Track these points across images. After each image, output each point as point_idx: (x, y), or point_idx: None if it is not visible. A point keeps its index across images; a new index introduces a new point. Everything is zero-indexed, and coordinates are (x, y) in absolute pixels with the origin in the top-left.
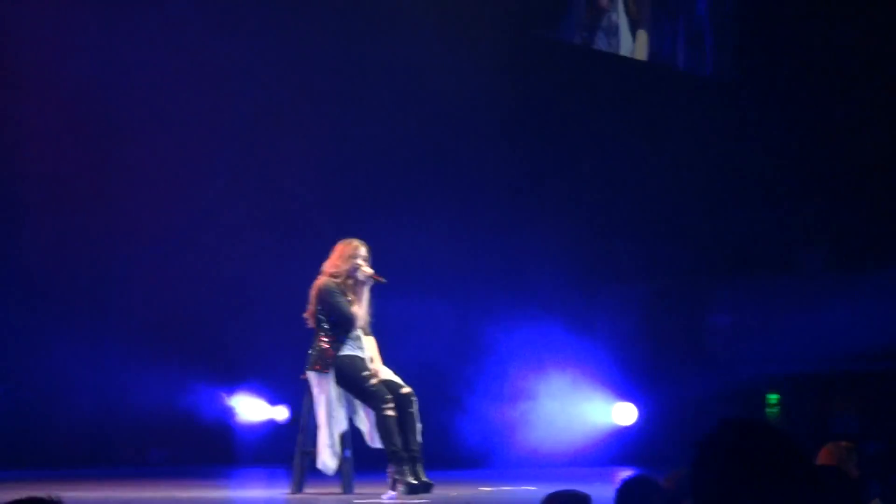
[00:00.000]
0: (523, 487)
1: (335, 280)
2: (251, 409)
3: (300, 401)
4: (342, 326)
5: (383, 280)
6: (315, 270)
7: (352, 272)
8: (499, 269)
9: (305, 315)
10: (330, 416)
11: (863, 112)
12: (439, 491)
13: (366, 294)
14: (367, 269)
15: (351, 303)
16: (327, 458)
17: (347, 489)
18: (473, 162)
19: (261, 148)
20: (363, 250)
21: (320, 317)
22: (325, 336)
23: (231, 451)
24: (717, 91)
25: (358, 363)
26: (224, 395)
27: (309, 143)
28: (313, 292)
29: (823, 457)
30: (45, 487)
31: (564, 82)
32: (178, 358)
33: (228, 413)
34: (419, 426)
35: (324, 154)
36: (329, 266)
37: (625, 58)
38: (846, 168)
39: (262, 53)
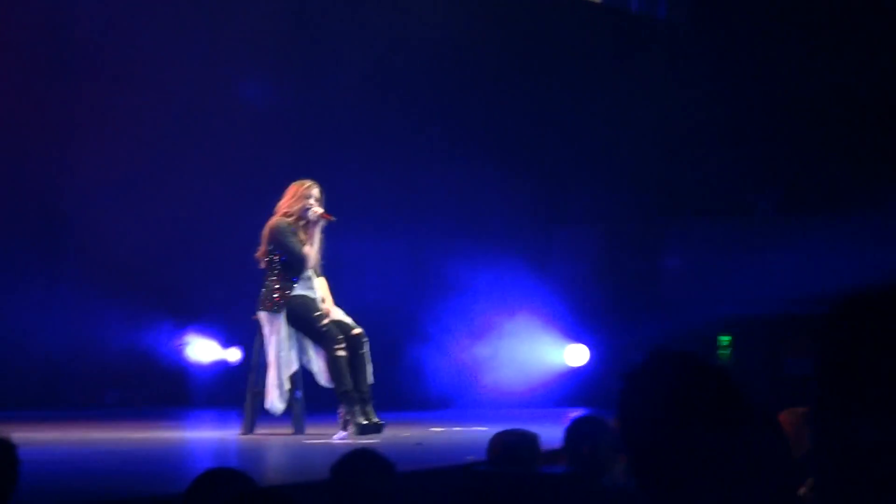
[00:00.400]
0: (474, 428)
1: (287, 220)
2: (204, 350)
3: (252, 341)
4: (293, 267)
5: (333, 219)
6: (268, 211)
7: (303, 212)
8: (453, 211)
9: (257, 255)
10: (280, 356)
11: (817, 54)
12: (390, 431)
13: (318, 234)
14: (318, 209)
15: (303, 243)
16: (275, 399)
17: (298, 430)
18: (427, 103)
19: (214, 89)
20: (315, 190)
21: (272, 257)
22: (277, 276)
23: (185, 393)
24: (671, 34)
25: (309, 304)
26: (178, 336)
27: (261, 84)
28: (265, 232)
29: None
30: None
31: (517, 25)
32: (132, 299)
33: (182, 355)
34: (370, 367)
35: (278, 95)
36: (282, 206)
37: (578, 0)
38: (799, 111)
39: None
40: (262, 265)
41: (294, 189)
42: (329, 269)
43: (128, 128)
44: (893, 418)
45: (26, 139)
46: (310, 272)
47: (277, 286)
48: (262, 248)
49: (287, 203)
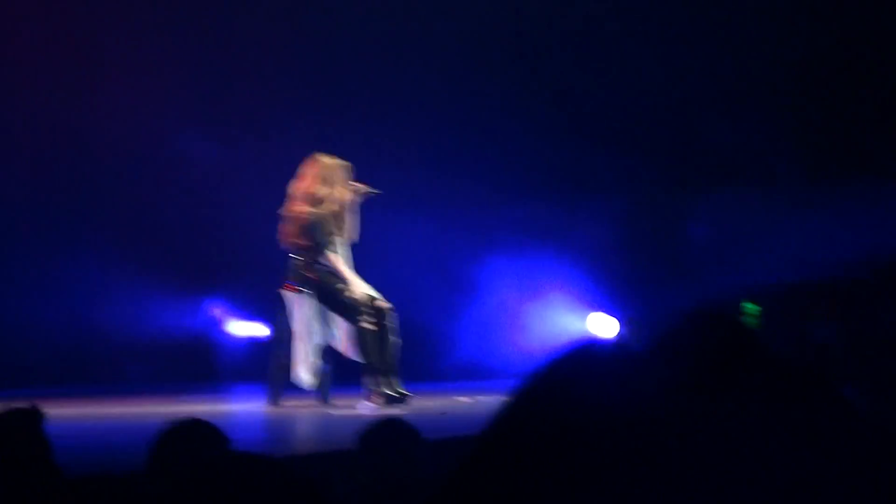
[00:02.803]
0: (500, 397)
1: (317, 214)
2: (231, 325)
3: (279, 315)
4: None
5: (378, 192)
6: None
7: (332, 197)
8: (478, 181)
9: (280, 238)
10: (307, 329)
11: (843, 19)
12: (416, 402)
13: (355, 209)
14: (359, 188)
15: (331, 235)
16: (303, 373)
17: (324, 402)
18: (452, 73)
19: (231, 61)
20: (346, 171)
21: (296, 240)
22: (303, 252)
23: (210, 368)
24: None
25: (335, 277)
26: (203, 310)
27: (280, 56)
28: (292, 220)
29: None
30: (19, 404)
31: None
32: (157, 274)
33: (208, 329)
34: (397, 339)
35: (300, 65)
36: (309, 189)
37: None
38: (825, 77)
39: None
40: (284, 245)
41: (321, 170)
42: (355, 244)
43: (150, 97)
44: None
45: (45, 109)
46: (339, 245)
47: (303, 262)
48: (288, 233)
49: (314, 186)
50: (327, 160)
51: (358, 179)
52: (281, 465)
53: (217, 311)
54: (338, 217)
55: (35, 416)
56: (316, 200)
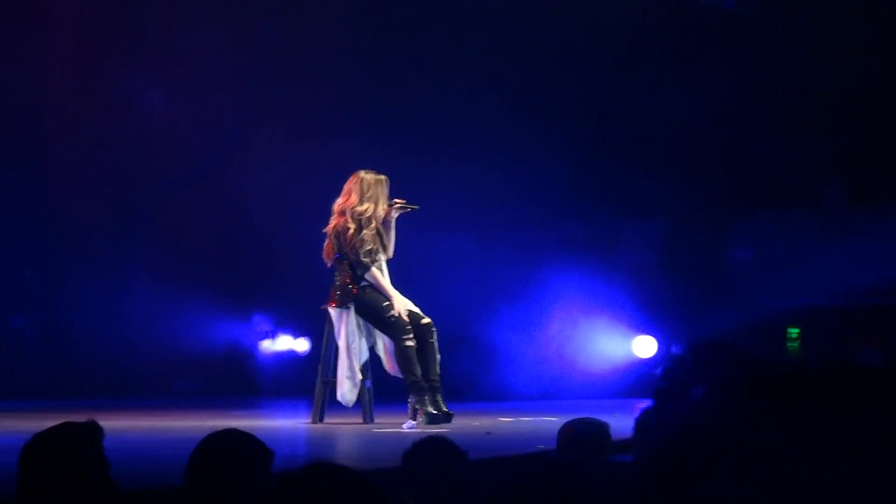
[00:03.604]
0: (543, 418)
1: (359, 228)
2: (274, 341)
3: (321, 332)
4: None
5: (416, 207)
6: (334, 196)
7: (376, 214)
8: (521, 202)
9: (324, 255)
10: (350, 347)
11: (887, 42)
12: (459, 421)
13: (393, 225)
14: (398, 202)
15: (375, 251)
16: (346, 390)
17: (368, 419)
18: (495, 93)
19: (285, 76)
20: (387, 186)
21: (341, 255)
22: (347, 271)
23: (253, 383)
24: (740, 23)
25: (378, 294)
26: (247, 327)
27: (327, 74)
28: (337, 241)
29: None
30: (71, 417)
31: (586, 14)
32: (201, 290)
33: (251, 345)
34: (438, 356)
35: (345, 83)
36: (352, 205)
37: None
38: (870, 100)
39: None
40: (329, 262)
41: (364, 186)
42: (397, 258)
43: (196, 114)
44: None
45: (96, 126)
46: (383, 261)
47: (348, 279)
48: (331, 248)
49: (357, 202)
50: (368, 176)
51: (397, 194)
52: (362, 479)
53: (261, 326)
54: (380, 233)
55: (94, 432)
56: (359, 216)
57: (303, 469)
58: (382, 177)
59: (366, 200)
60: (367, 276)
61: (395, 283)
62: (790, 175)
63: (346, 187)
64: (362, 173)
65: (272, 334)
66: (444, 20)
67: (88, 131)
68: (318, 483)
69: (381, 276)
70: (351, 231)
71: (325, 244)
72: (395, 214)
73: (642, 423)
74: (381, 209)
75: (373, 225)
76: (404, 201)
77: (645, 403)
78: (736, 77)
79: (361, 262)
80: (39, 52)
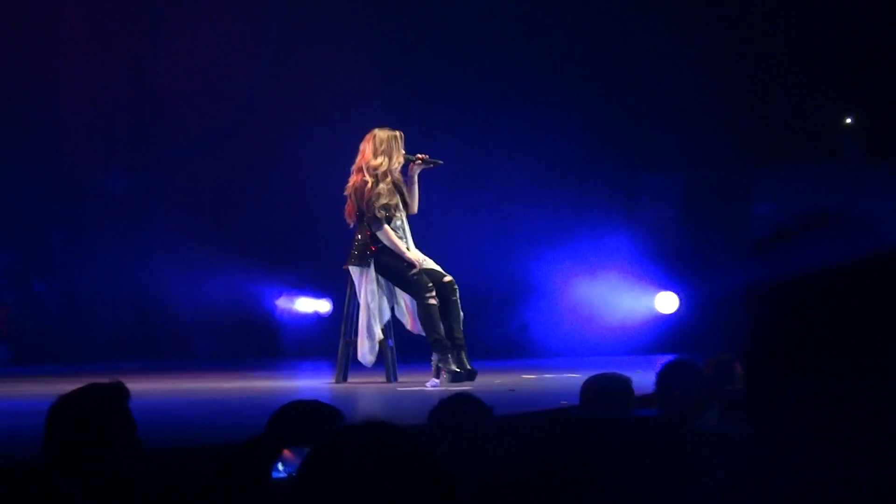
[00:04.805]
0: (566, 374)
1: (379, 182)
2: (296, 302)
3: (344, 293)
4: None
5: (440, 162)
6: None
7: (394, 169)
8: (539, 158)
9: (346, 215)
10: (371, 306)
11: None
12: (483, 378)
13: (416, 181)
14: (420, 157)
15: (393, 208)
16: (367, 351)
17: (391, 378)
18: (513, 49)
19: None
20: (399, 141)
21: (360, 214)
22: (367, 230)
23: (275, 345)
24: None
25: (399, 253)
26: (268, 288)
27: (349, 37)
28: (353, 192)
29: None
30: (95, 380)
31: None
32: (223, 252)
33: (273, 306)
34: (461, 314)
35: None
36: (369, 162)
37: None
38: (888, 54)
39: None
40: (351, 223)
41: (377, 142)
42: (418, 218)
43: (217, 84)
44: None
45: (120, 103)
46: (402, 220)
47: (369, 237)
48: (352, 208)
49: (372, 158)
50: (381, 132)
51: (417, 152)
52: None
53: (282, 287)
54: (399, 188)
55: (120, 392)
56: (374, 170)
57: (358, 425)
58: (396, 132)
59: (380, 155)
60: (379, 234)
61: (416, 241)
62: (809, 129)
63: (361, 146)
64: (376, 130)
65: (288, 293)
66: None
67: (107, 95)
68: (373, 441)
69: (395, 235)
70: (368, 185)
71: (347, 205)
72: (417, 170)
73: (664, 377)
74: (397, 162)
75: (388, 179)
76: (427, 156)
77: (667, 358)
78: (753, 28)
79: (376, 216)
80: (58, 19)
